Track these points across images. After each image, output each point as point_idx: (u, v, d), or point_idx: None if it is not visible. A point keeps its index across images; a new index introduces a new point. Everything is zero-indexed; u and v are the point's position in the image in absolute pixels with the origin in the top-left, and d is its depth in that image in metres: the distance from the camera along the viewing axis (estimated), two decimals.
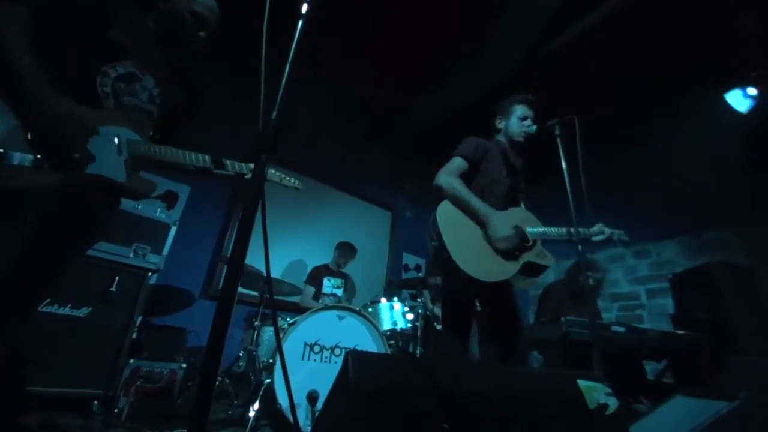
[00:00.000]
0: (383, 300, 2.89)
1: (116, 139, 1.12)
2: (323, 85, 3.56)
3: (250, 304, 3.28)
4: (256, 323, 2.61)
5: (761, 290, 3.24)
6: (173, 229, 2.33)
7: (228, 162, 1.32)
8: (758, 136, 3.06)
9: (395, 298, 2.92)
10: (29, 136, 0.97)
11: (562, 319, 2.19)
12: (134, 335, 2.11)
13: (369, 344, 2.25)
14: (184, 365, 2.28)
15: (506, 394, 0.84)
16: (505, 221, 1.64)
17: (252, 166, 1.31)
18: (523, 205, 1.90)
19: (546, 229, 1.76)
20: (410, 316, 2.84)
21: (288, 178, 1.49)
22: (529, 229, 1.68)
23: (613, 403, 0.95)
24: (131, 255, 2.05)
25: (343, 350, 2.17)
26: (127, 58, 1.18)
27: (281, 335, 2.09)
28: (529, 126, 1.91)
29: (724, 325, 3.00)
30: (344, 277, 3.65)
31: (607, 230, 1.83)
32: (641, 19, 2.60)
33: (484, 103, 2.23)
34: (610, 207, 2.34)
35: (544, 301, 3.22)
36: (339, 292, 3.51)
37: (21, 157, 0.95)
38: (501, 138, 1.98)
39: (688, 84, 2.96)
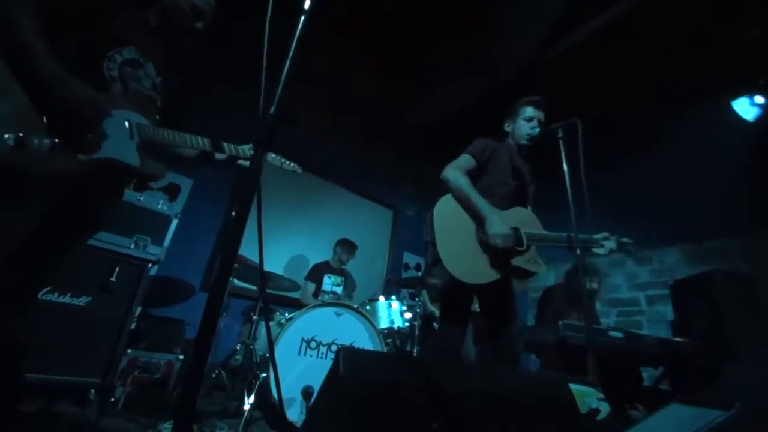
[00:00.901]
0: (381, 298, 2.89)
1: (127, 123, 1.12)
2: (325, 84, 3.56)
3: (248, 298, 3.30)
4: (254, 317, 2.63)
5: (762, 299, 3.22)
6: (175, 222, 2.34)
7: (225, 145, 1.33)
8: (764, 144, 3.04)
9: (393, 297, 2.92)
10: (45, 120, 0.96)
11: (559, 322, 2.18)
12: (133, 325, 2.12)
13: (366, 342, 2.26)
14: (181, 356, 2.30)
15: (497, 394, 0.84)
16: (504, 220, 1.64)
17: (250, 146, 1.33)
18: (529, 208, 1.89)
19: (545, 233, 1.74)
20: (408, 315, 2.85)
21: (288, 162, 1.52)
22: (526, 231, 1.67)
23: (605, 408, 0.95)
24: (132, 246, 2.06)
25: (340, 347, 2.18)
26: (130, 44, 1.19)
27: (279, 330, 2.10)
28: (533, 128, 1.91)
29: (723, 333, 2.98)
30: (344, 274, 3.65)
31: (612, 240, 1.78)
32: (647, 27, 2.58)
33: (485, 104, 2.22)
34: (612, 212, 2.33)
35: (544, 304, 3.22)
36: (339, 289, 3.51)
37: (39, 142, 0.94)
38: (509, 141, 1.99)
39: (695, 92, 2.94)
